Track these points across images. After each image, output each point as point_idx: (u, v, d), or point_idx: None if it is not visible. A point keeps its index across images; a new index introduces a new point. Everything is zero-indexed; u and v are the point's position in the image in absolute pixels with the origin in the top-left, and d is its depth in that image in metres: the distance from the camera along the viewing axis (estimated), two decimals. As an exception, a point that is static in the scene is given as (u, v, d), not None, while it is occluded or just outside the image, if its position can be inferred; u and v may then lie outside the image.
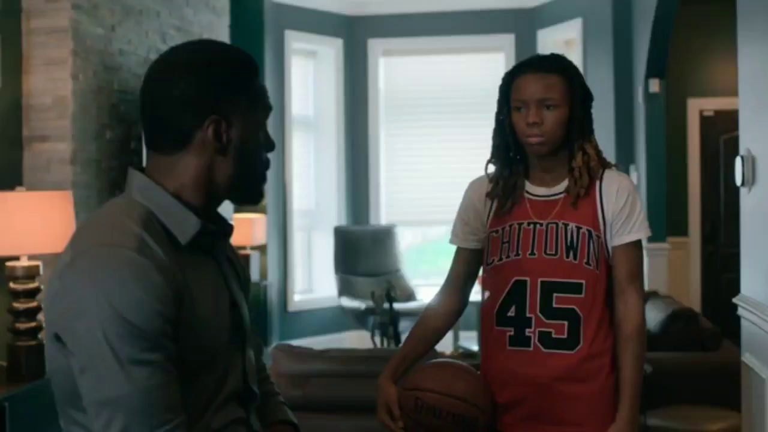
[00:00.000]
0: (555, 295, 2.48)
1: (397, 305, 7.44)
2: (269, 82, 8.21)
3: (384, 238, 8.80)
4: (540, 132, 2.45)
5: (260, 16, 8.23)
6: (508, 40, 9.04)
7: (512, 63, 8.89)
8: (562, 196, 2.52)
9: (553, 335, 2.48)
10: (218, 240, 1.81)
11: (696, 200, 8.40)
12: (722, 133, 8.23)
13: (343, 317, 8.48)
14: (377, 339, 7.54)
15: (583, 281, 2.47)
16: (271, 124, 1.87)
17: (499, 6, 9.01)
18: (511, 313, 2.52)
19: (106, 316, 1.54)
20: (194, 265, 1.71)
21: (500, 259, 2.55)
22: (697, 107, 8.37)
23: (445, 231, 10.65)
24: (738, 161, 3.80)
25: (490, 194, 2.60)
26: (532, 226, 2.52)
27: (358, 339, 8.36)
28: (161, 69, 1.74)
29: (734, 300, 3.87)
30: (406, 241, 9.41)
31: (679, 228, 8.15)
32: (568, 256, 2.48)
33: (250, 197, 1.83)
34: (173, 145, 1.71)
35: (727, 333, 4.75)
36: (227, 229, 1.83)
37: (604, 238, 2.49)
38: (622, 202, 2.49)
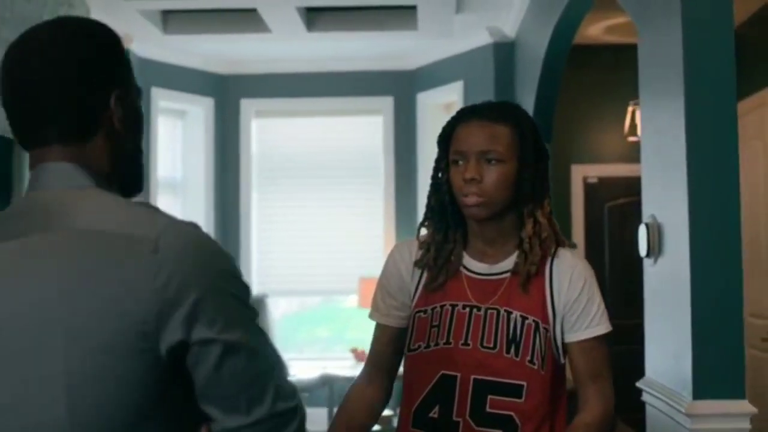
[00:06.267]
0: (489, 397, 2.03)
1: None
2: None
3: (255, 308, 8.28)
4: (478, 191, 2.03)
5: (124, 71, 7.70)
6: (387, 102, 8.71)
7: (390, 126, 8.60)
8: (507, 276, 2.08)
9: None
10: None
11: (580, 269, 8.17)
12: (607, 200, 8.06)
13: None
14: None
15: (525, 383, 2.03)
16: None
17: (377, 68, 8.70)
18: (434, 413, 2.07)
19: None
20: None
21: (427, 346, 2.09)
22: (581, 174, 8.17)
23: (321, 300, 10.00)
24: (642, 229, 3.45)
25: (418, 263, 2.15)
26: (468, 309, 2.08)
27: (226, 418, 7.80)
28: (37, 46, 1.41)
29: (638, 384, 3.50)
30: (280, 309, 8.92)
31: (563, 298, 7.87)
32: (508, 351, 2.04)
33: (136, 183, 1.56)
34: (75, 132, 1.42)
35: (620, 408, 4.40)
36: None
37: (552, 332, 2.05)
38: (577, 292, 2.06)
